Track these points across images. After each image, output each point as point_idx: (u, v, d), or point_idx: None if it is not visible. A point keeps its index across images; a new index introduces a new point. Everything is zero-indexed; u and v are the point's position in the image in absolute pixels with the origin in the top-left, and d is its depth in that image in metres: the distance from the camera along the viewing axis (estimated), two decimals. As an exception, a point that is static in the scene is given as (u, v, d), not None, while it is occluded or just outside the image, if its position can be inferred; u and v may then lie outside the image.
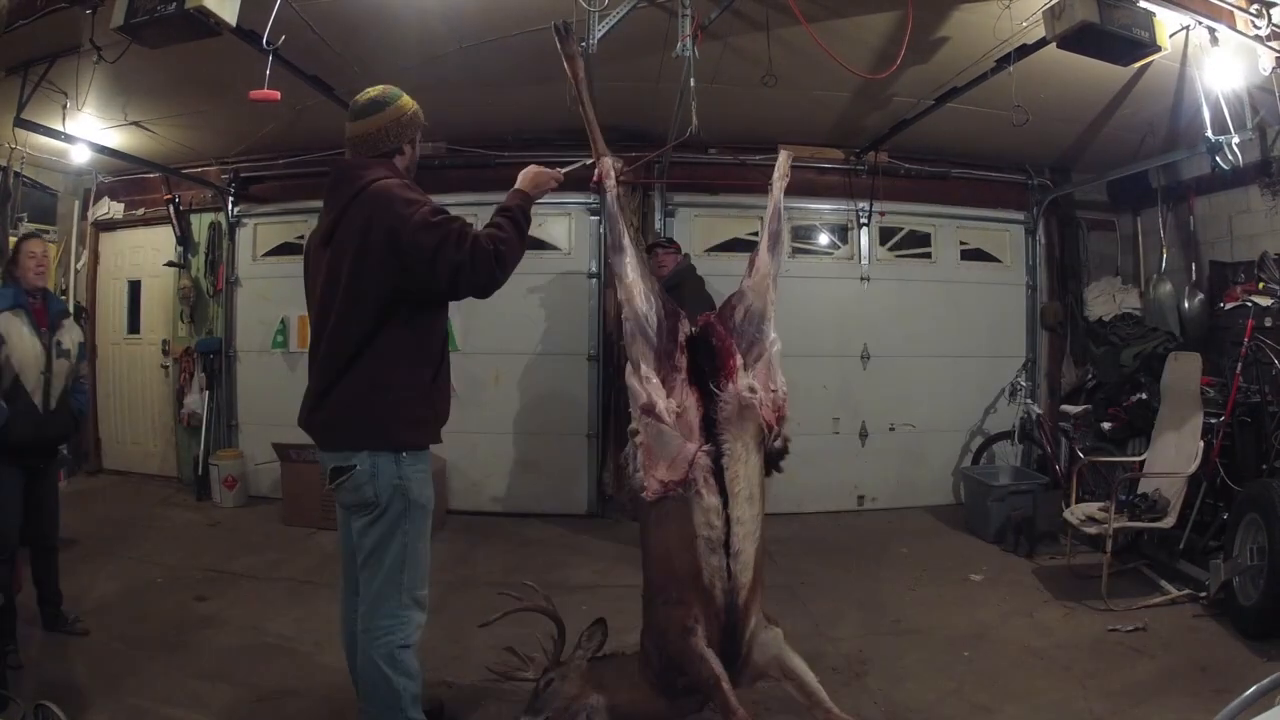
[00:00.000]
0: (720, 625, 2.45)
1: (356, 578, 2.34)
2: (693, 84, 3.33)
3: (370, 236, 2.14)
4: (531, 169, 2.42)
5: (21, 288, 3.29)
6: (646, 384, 2.47)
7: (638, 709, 2.58)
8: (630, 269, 2.54)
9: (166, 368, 6.54)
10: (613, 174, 2.60)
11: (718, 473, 2.44)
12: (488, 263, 2.13)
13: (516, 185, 2.38)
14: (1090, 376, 5.96)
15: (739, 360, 2.52)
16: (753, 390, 2.49)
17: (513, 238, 2.22)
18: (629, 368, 2.53)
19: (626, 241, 2.57)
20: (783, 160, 2.74)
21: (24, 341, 3.23)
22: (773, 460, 2.64)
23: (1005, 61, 3.88)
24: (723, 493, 2.43)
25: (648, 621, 2.57)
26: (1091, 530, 4.03)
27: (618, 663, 2.66)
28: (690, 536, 2.41)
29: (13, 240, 3.62)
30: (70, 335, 3.45)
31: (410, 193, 2.22)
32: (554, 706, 2.55)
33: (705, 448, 2.44)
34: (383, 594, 2.26)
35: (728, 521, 2.42)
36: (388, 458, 2.21)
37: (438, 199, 6.85)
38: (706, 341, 2.55)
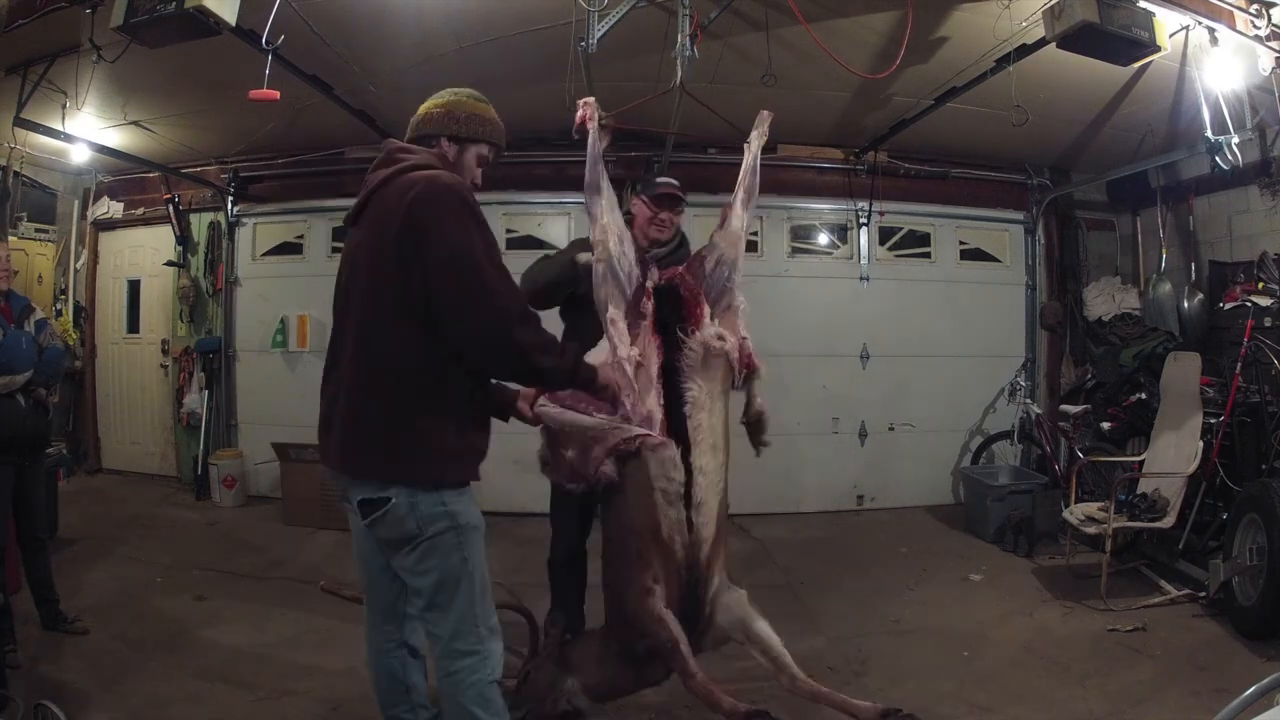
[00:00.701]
0: (680, 583, 2.41)
1: (387, 604, 2.11)
2: (687, 39, 3.30)
3: (400, 233, 1.87)
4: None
5: None
6: (613, 327, 2.45)
7: (611, 683, 2.58)
8: (605, 210, 2.55)
9: (166, 367, 6.53)
10: (596, 116, 2.60)
11: (679, 421, 2.43)
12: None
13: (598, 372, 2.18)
14: (1090, 376, 5.96)
15: (706, 309, 2.55)
16: (721, 338, 2.50)
17: (555, 365, 2.01)
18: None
19: (604, 184, 2.58)
20: (760, 120, 2.79)
21: None
22: (756, 434, 2.67)
23: (1005, 61, 3.88)
24: (685, 441, 2.41)
25: (606, 584, 2.55)
26: (1091, 530, 4.03)
27: (585, 641, 2.66)
28: (647, 489, 2.36)
29: (13, 240, 3.64)
30: (33, 325, 3.39)
31: (468, 210, 1.90)
32: (533, 699, 2.54)
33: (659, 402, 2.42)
34: (459, 633, 1.98)
35: (689, 471, 2.40)
36: (427, 490, 1.93)
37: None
38: (674, 291, 2.57)
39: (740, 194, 2.70)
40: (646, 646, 2.42)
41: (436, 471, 1.94)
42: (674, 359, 2.49)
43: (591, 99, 2.62)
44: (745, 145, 2.76)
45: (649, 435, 2.37)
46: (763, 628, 2.50)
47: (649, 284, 2.55)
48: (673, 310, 2.55)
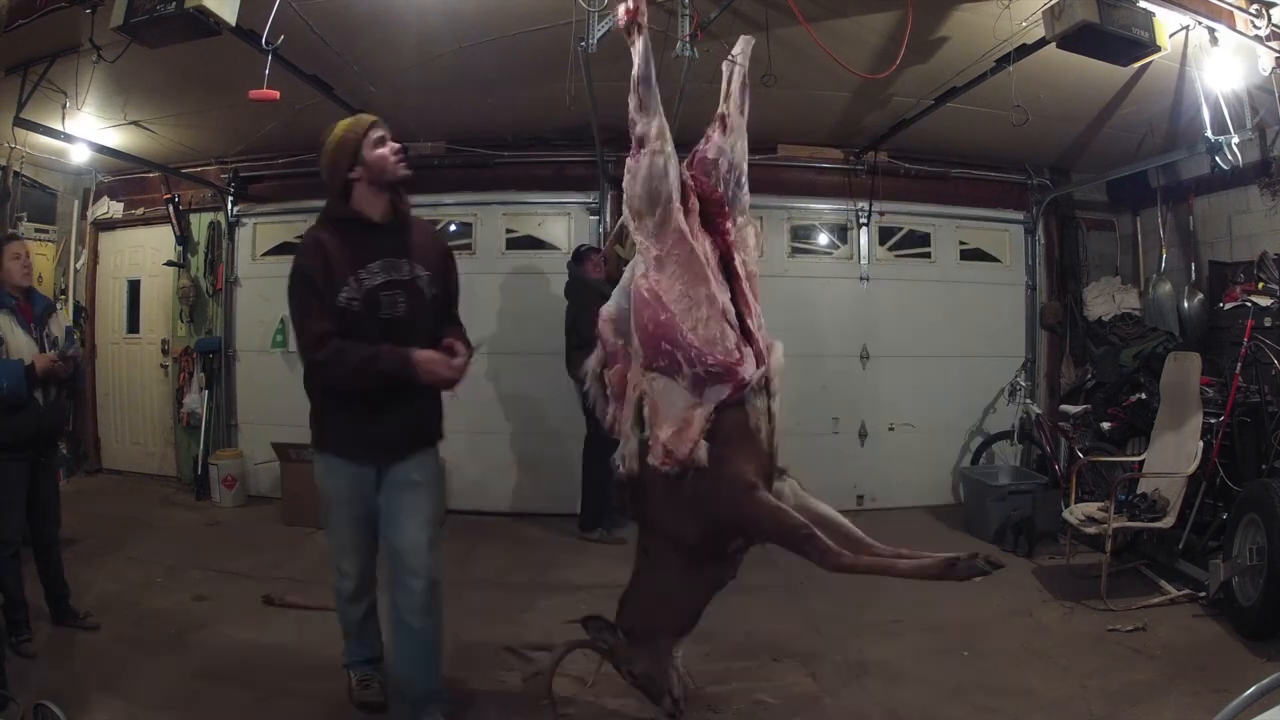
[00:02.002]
0: (765, 474, 2.39)
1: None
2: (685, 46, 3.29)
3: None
4: (437, 360, 2.44)
5: (5, 290, 3.29)
6: (680, 217, 2.42)
7: (687, 611, 2.56)
8: (660, 107, 2.50)
9: (166, 367, 6.53)
10: (644, 11, 2.50)
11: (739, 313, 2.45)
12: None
13: (417, 360, 2.41)
14: (1090, 376, 5.96)
15: (730, 211, 2.58)
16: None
17: (357, 367, 2.39)
18: (643, 223, 2.47)
19: (654, 79, 2.50)
20: (743, 42, 2.78)
21: (18, 339, 3.25)
22: None
23: (1005, 61, 3.88)
24: (749, 332, 2.44)
25: (670, 492, 2.41)
26: (1091, 530, 4.03)
27: (630, 611, 2.60)
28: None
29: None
30: (57, 325, 3.50)
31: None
32: (663, 693, 2.55)
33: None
34: None
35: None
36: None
37: (436, 198, 6.80)
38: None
39: (735, 100, 2.66)
40: (739, 546, 2.40)
41: None
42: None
43: None
44: (728, 61, 2.73)
45: (751, 380, 2.36)
46: (825, 508, 2.48)
47: (689, 181, 2.55)
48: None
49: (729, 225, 2.56)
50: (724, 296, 2.43)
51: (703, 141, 2.69)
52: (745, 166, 2.66)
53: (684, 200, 2.50)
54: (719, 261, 2.51)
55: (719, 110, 2.69)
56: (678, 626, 2.58)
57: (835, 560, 2.23)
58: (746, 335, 2.44)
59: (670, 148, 2.47)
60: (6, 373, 3.11)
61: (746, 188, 2.67)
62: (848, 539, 2.37)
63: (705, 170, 2.63)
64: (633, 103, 2.53)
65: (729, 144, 2.63)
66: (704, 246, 2.48)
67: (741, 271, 2.54)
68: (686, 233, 2.42)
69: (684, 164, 2.64)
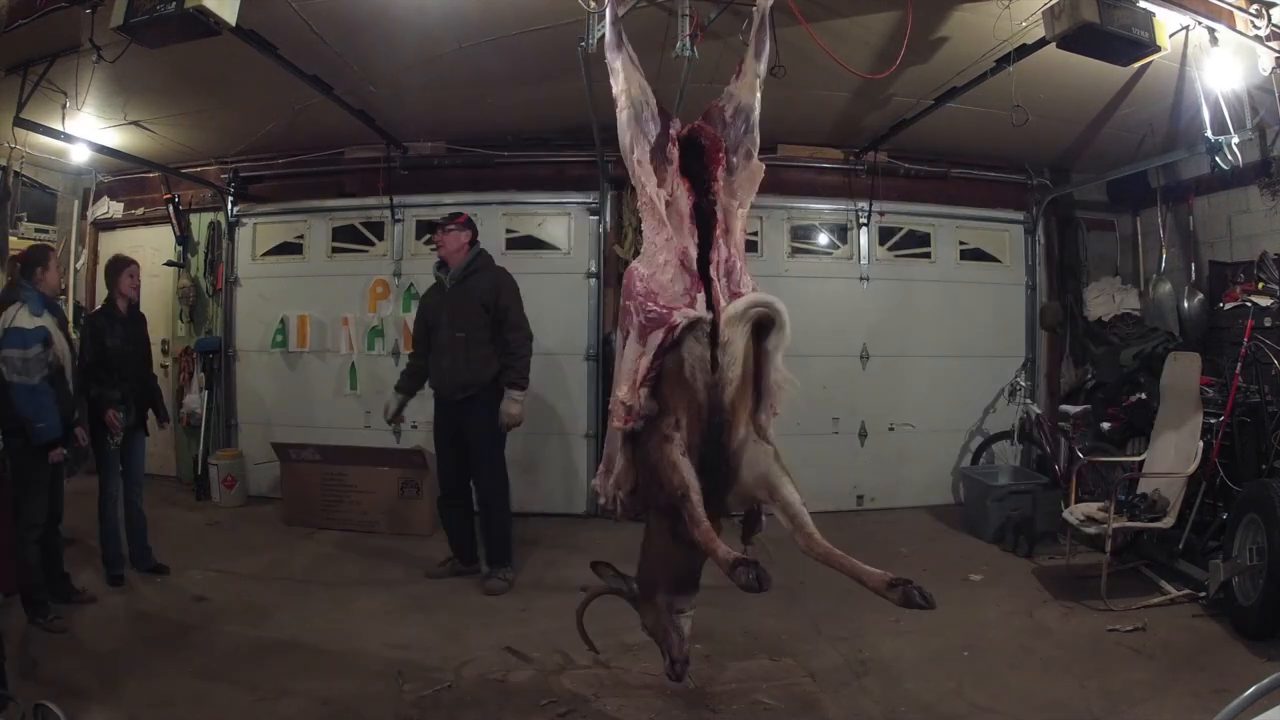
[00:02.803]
0: (701, 428, 2.30)
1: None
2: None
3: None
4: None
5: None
6: (639, 167, 2.50)
7: (685, 570, 2.59)
8: (628, 61, 2.63)
9: (166, 367, 6.53)
10: None
11: (706, 262, 2.42)
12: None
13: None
14: (1090, 376, 5.96)
15: (726, 157, 2.58)
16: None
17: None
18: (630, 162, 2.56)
19: (624, 39, 2.65)
20: None
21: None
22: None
23: (1005, 61, 3.88)
24: (709, 280, 2.39)
25: (637, 444, 2.46)
26: (1091, 530, 4.03)
27: (638, 566, 2.69)
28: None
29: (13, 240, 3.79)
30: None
31: None
32: (665, 644, 2.60)
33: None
34: None
35: (714, 308, 2.33)
36: None
37: (436, 198, 6.83)
38: (695, 141, 2.60)
39: (752, 46, 2.71)
40: (664, 497, 2.32)
41: None
42: (700, 202, 2.52)
43: None
44: (754, 9, 2.77)
45: (681, 323, 2.29)
46: (788, 490, 2.39)
47: (673, 131, 2.60)
48: (695, 159, 2.58)
49: (719, 171, 2.55)
50: (687, 242, 2.42)
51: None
52: (757, 110, 2.65)
53: (660, 149, 2.56)
54: (693, 208, 2.49)
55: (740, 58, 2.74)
56: (670, 583, 2.61)
57: (692, 531, 2.20)
58: (706, 281, 2.39)
59: (628, 99, 2.58)
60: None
61: (757, 131, 2.65)
62: (792, 519, 2.34)
63: (713, 119, 2.67)
64: (607, 56, 2.66)
65: (739, 88, 2.66)
66: (677, 193, 2.49)
67: (721, 217, 2.50)
68: (646, 182, 2.50)
69: (700, 116, 2.70)
